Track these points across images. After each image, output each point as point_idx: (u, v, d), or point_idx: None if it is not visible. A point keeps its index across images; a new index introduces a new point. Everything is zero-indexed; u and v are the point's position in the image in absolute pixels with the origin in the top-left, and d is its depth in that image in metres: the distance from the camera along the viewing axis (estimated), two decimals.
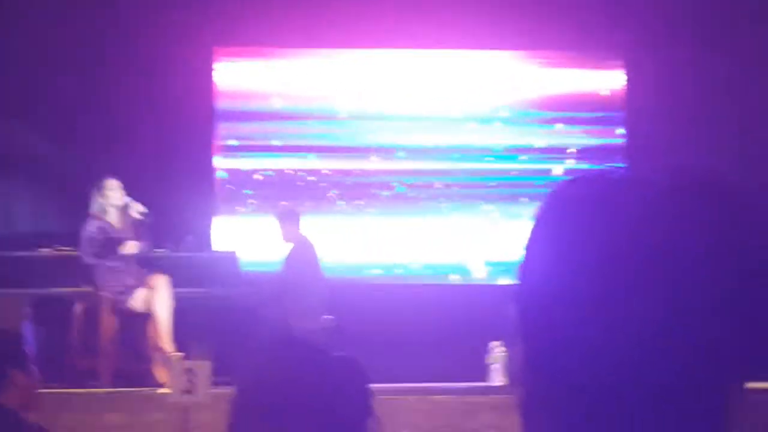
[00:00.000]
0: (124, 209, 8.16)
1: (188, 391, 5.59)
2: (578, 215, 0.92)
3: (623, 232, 0.89)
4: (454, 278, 10.14)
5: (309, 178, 10.27)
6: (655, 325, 0.87)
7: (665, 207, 0.90)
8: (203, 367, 5.77)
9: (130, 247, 8.10)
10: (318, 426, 2.10)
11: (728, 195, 0.91)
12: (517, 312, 0.93)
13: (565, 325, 0.89)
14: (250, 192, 10.21)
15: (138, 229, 8.17)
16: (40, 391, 4.11)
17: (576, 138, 10.45)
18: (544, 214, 0.94)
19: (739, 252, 0.89)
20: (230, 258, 8.88)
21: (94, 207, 8.12)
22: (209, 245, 9.67)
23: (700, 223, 0.89)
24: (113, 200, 8.12)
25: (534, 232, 0.93)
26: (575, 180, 0.95)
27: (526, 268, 0.93)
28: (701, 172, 0.93)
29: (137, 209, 8.15)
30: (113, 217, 8.14)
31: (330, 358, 2.23)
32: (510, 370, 7.58)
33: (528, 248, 0.93)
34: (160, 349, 7.92)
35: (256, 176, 10.25)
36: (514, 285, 0.94)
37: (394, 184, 10.33)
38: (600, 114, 10.46)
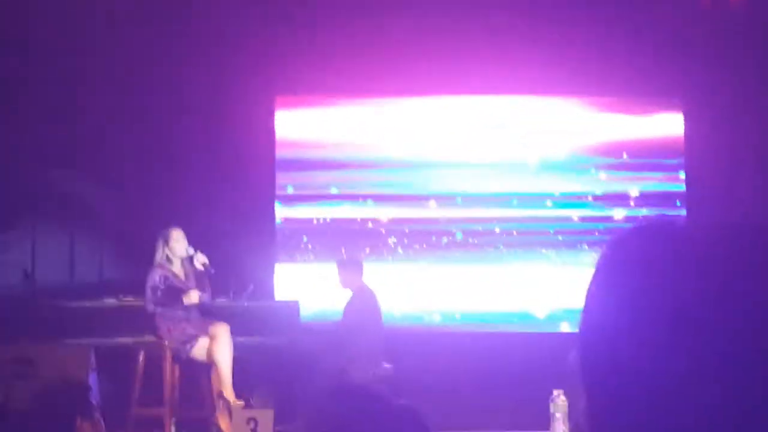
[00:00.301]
0: (187, 259, 8.25)
1: None
2: (638, 265, 0.91)
3: (683, 282, 0.88)
4: (514, 326, 10.08)
5: (368, 226, 10.30)
6: (719, 375, 0.86)
7: (725, 257, 0.89)
8: (266, 416, 5.78)
9: (193, 297, 8.18)
10: None
11: None
12: (579, 361, 0.92)
13: (626, 375, 0.88)
14: (309, 240, 10.26)
15: (200, 279, 8.25)
16: None
17: (635, 184, 10.39)
18: (604, 263, 0.93)
19: None
20: (290, 307, 8.92)
21: (159, 256, 8.22)
22: (270, 294, 9.72)
23: (761, 271, 0.89)
24: (178, 250, 8.21)
25: (594, 280, 0.93)
26: (635, 229, 0.94)
27: (586, 316, 0.92)
28: (761, 222, 0.92)
29: (200, 260, 8.23)
30: (177, 267, 8.23)
31: (390, 407, 2.23)
32: (572, 419, 7.49)
33: (588, 297, 0.93)
34: (222, 398, 7.95)
35: (315, 224, 10.30)
36: (576, 333, 0.93)
37: (454, 231, 10.32)
38: (660, 159, 10.40)
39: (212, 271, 8.26)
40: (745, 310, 0.87)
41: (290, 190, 10.32)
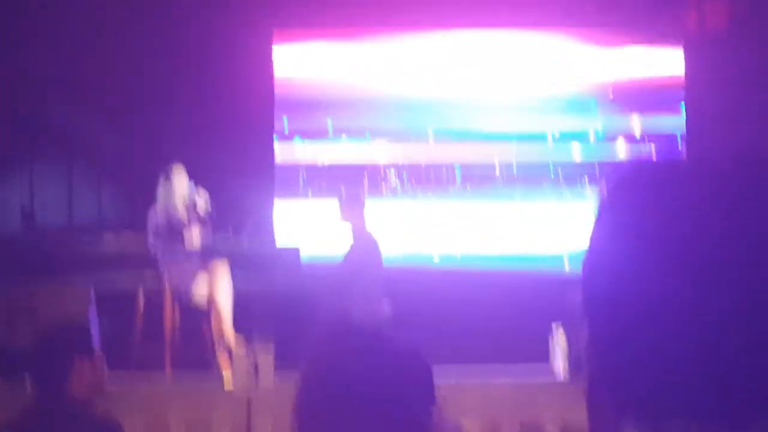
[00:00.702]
0: (189, 196, 8.23)
1: (252, 377, 5.64)
2: (641, 201, 0.92)
3: (684, 217, 0.90)
4: (516, 265, 10.10)
5: (368, 164, 10.27)
6: (717, 307, 0.87)
7: (726, 191, 0.90)
8: (267, 353, 5.80)
9: (194, 234, 8.17)
10: (382, 412, 2.11)
11: None
12: (583, 296, 0.94)
13: (627, 311, 0.90)
14: (308, 178, 10.24)
15: (201, 217, 8.24)
16: (106, 378, 4.15)
17: (635, 120, 10.35)
18: (605, 202, 0.95)
19: None
20: (291, 254, 8.93)
21: (160, 194, 8.20)
22: (270, 232, 9.71)
23: (763, 206, 0.89)
24: (178, 187, 8.19)
25: (597, 218, 0.95)
26: (635, 168, 0.96)
27: (590, 255, 0.94)
28: (762, 156, 0.92)
29: (201, 197, 8.22)
30: (178, 204, 8.20)
31: (394, 344, 2.23)
32: (572, 353, 7.55)
33: (591, 236, 0.94)
34: (222, 336, 7.98)
35: (316, 162, 10.27)
36: (579, 270, 0.95)
37: (455, 169, 10.30)
38: (659, 95, 10.36)
39: (213, 207, 8.24)
40: (743, 245, 0.88)
41: (287, 128, 10.27)
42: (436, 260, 10.11)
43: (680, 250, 0.88)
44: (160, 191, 8.19)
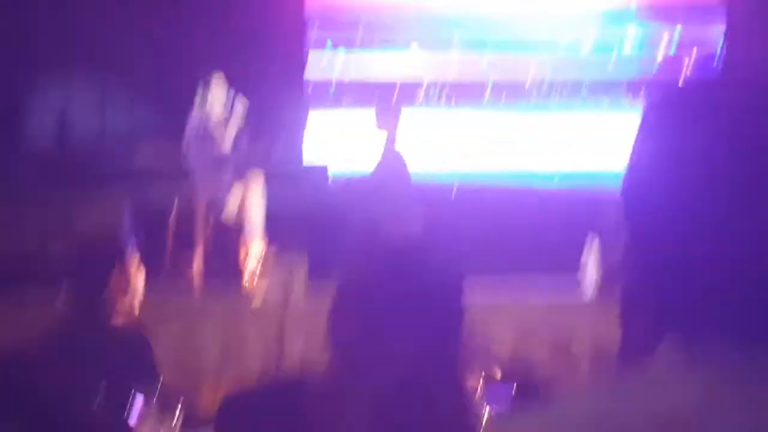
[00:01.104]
0: (228, 104, 8.21)
1: (285, 288, 5.68)
2: (682, 119, 0.93)
3: (723, 136, 0.91)
4: (547, 181, 10.07)
5: (404, 76, 10.20)
6: (755, 225, 0.89)
7: (761, 116, 0.91)
8: (301, 268, 5.84)
9: (231, 142, 8.15)
10: (412, 325, 2.13)
11: None
12: (624, 209, 0.96)
13: (668, 221, 0.92)
14: (342, 90, 10.19)
15: (240, 125, 8.23)
16: (143, 287, 4.19)
17: (673, 33, 10.22)
18: (649, 116, 0.96)
19: None
20: (320, 172, 8.92)
21: (199, 101, 8.18)
22: (299, 146, 9.71)
23: None
24: (218, 96, 8.17)
25: (639, 133, 0.96)
26: (675, 91, 0.97)
27: (632, 168, 0.96)
28: None
29: (241, 103, 8.20)
30: (217, 112, 8.19)
31: (423, 260, 2.24)
32: (604, 269, 7.57)
33: (633, 149, 0.96)
34: (254, 246, 8.03)
35: (349, 76, 10.22)
36: (619, 184, 0.97)
37: (489, 81, 10.22)
38: (697, 7, 10.21)
39: (248, 119, 8.23)
40: None
41: (325, 40, 10.20)
42: (469, 175, 10.08)
43: (718, 167, 0.90)
44: (199, 99, 8.17)
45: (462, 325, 2.33)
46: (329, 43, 10.19)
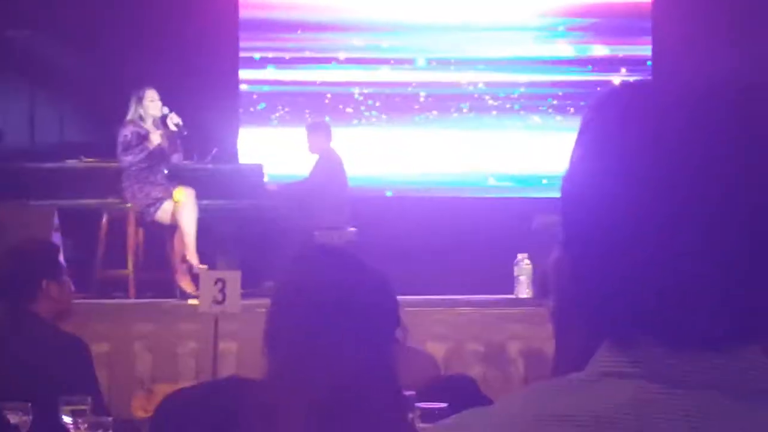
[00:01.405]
0: (160, 120, 8.14)
1: (218, 302, 5.64)
2: (619, 126, 0.93)
3: (668, 140, 0.90)
4: (477, 191, 10.13)
5: (335, 90, 10.22)
6: (698, 232, 0.88)
7: (709, 113, 0.91)
8: (233, 277, 5.81)
9: (163, 156, 8.07)
10: (348, 333, 2.13)
11: None
12: (563, 221, 0.95)
13: (609, 232, 0.91)
14: (273, 104, 10.18)
15: (172, 141, 8.16)
16: (72, 299, 4.14)
17: (603, 47, 10.36)
18: (587, 125, 0.95)
19: None
20: (254, 170, 8.88)
21: (131, 114, 8.09)
22: (234, 158, 9.68)
23: (745, 127, 0.90)
24: (152, 109, 8.10)
25: (577, 142, 0.96)
26: (615, 92, 0.96)
27: (571, 178, 0.95)
28: (737, 78, 0.93)
29: (174, 120, 8.13)
30: (150, 127, 8.12)
31: (359, 267, 2.24)
32: (536, 282, 7.60)
33: (572, 158, 0.96)
34: (185, 261, 7.98)
35: (281, 88, 10.21)
36: (560, 195, 0.96)
37: (421, 95, 10.27)
38: (626, 22, 10.36)
39: (185, 132, 8.16)
40: (732, 164, 0.90)
41: (257, 53, 10.19)
42: (400, 184, 10.12)
43: (664, 172, 0.90)
44: (132, 111, 8.09)
45: (395, 335, 2.33)
46: (258, 56, 10.18)
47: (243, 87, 10.18)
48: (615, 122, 0.94)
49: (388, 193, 10.06)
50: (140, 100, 8.08)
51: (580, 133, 0.97)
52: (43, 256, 4.01)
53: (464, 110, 10.27)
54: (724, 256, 0.88)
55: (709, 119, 0.91)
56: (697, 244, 0.88)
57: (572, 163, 0.97)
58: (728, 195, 0.89)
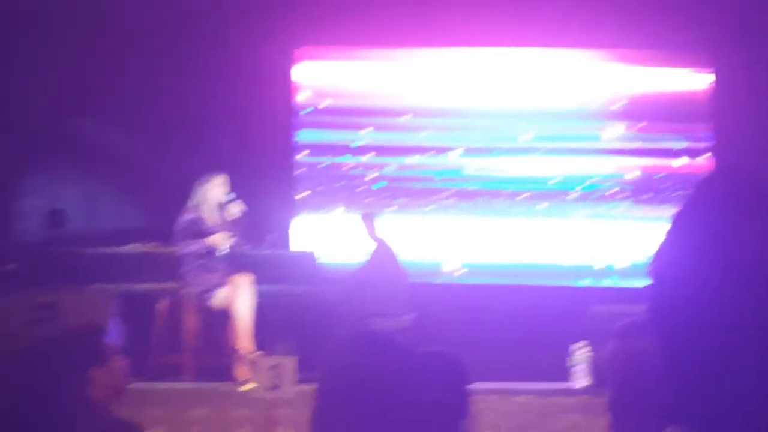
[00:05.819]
0: (223, 206, 8.21)
1: (273, 387, 5.62)
2: (707, 213, 0.92)
3: (746, 230, 0.88)
4: (535, 279, 10.07)
5: (388, 176, 10.27)
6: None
7: None
8: (289, 363, 5.79)
9: (219, 241, 8.12)
10: (402, 423, 2.09)
11: None
12: (651, 308, 0.93)
13: (701, 321, 0.88)
14: (327, 191, 10.25)
15: (233, 227, 8.21)
16: (126, 386, 4.14)
17: (663, 140, 10.32)
18: (682, 212, 0.94)
19: None
20: (309, 257, 8.92)
21: (193, 200, 8.17)
22: (289, 244, 9.73)
23: None
24: (216, 195, 8.17)
25: (670, 232, 0.94)
26: (706, 181, 0.95)
27: (660, 259, 0.94)
28: None
29: (237, 206, 8.19)
30: (211, 213, 8.17)
31: (414, 355, 2.21)
32: (595, 371, 7.50)
33: (663, 244, 0.94)
34: (241, 347, 7.97)
35: (335, 175, 10.28)
36: (647, 283, 0.94)
37: (475, 183, 10.28)
38: (687, 114, 10.32)
39: (246, 219, 8.22)
40: None
41: (313, 142, 10.29)
42: (458, 272, 10.08)
43: (758, 261, 0.91)
44: (195, 197, 8.16)
45: (459, 427, 2.28)
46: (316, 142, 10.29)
47: (298, 174, 10.26)
48: (700, 210, 0.93)
49: (448, 280, 10.02)
50: (203, 185, 8.16)
51: (674, 223, 0.95)
52: (95, 341, 4.01)
53: (518, 199, 10.25)
54: None
55: None
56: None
57: (663, 245, 0.95)
58: None
